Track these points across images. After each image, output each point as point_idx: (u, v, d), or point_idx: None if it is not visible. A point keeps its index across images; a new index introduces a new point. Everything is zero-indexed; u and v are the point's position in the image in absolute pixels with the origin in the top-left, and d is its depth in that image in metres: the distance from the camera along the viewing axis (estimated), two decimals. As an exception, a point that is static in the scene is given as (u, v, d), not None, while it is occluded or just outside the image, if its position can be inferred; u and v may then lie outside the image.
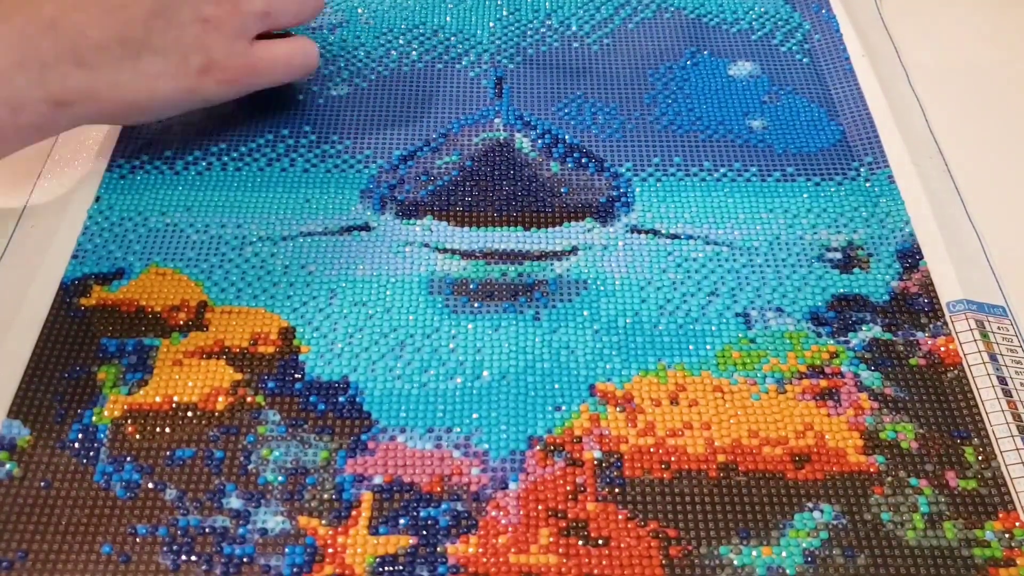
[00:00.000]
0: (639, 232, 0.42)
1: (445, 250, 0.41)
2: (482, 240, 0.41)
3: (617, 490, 0.34)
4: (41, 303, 0.38)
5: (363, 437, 0.35)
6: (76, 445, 0.34)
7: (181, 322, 0.38)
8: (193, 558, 0.32)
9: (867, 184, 0.44)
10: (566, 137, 0.46)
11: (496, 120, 0.47)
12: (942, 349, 0.38)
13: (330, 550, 0.32)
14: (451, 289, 0.40)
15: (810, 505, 0.33)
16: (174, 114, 0.42)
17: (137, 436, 0.35)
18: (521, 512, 0.33)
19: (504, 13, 0.53)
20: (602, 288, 0.40)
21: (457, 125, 0.47)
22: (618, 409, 0.36)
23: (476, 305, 0.39)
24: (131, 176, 0.44)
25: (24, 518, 0.32)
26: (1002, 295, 0.39)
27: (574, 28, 0.52)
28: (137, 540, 0.32)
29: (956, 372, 0.37)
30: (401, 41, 0.51)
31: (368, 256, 0.41)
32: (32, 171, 0.44)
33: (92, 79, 0.37)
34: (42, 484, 0.33)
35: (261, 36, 0.42)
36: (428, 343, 0.38)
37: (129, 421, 0.35)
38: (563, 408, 0.36)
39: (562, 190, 0.43)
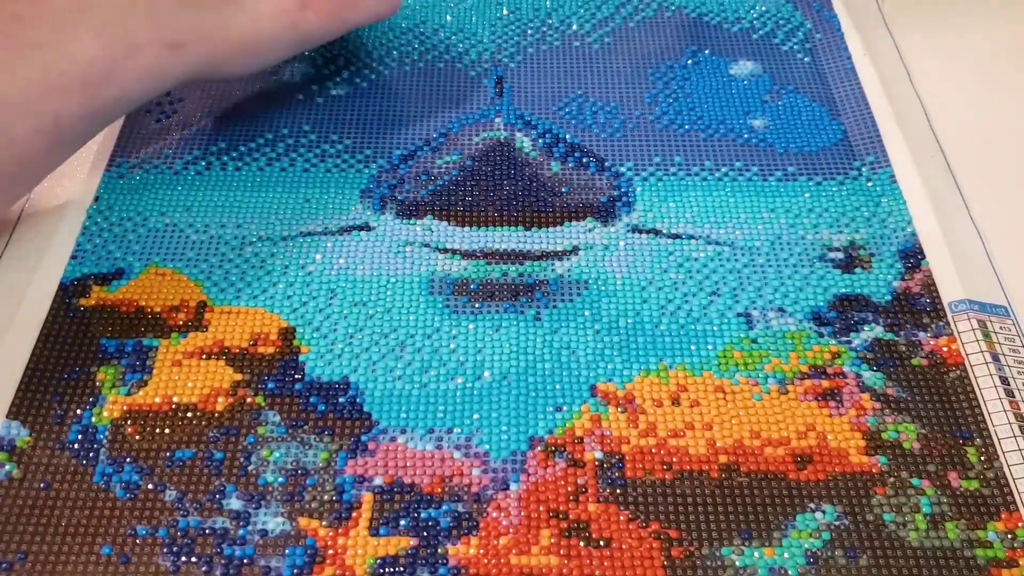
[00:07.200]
0: (640, 232, 0.42)
1: (445, 250, 0.41)
2: (483, 240, 0.41)
3: (619, 491, 0.33)
4: (40, 303, 0.38)
5: (363, 438, 0.35)
6: (76, 446, 0.34)
7: (181, 322, 0.38)
8: (193, 559, 0.32)
9: (869, 184, 0.44)
10: (567, 136, 0.46)
11: (497, 119, 0.47)
12: (944, 349, 0.37)
13: (330, 551, 0.32)
14: (452, 289, 0.40)
15: (812, 506, 0.33)
16: (281, 57, 0.43)
17: (137, 437, 0.35)
18: (522, 513, 0.33)
19: (505, 12, 0.53)
20: (603, 288, 0.40)
21: (457, 124, 0.47)
22: (619, 410, 0.36)
23: (477, 305, 0.39)
24: (130, 176, 0.44)
25: (24, 519, 0.32)
26: (1004, 295, 0.39)
27: (575, 27, 0.52)
28: (137, 541, 0.32)
29: (958, 372, 0.37)
30: (401, 40, 0.51)
31: (368, 256, 0.41)
32: (31, 171, 0.44)
33: (199, 18, 0.38)
34: (42, 485, 0.33)
35: None
36: (428, 343, 0.38)
37: (129, 422, 0.35)
38: (564, 409, 0.36)
39: (563, 190, 0.43)
